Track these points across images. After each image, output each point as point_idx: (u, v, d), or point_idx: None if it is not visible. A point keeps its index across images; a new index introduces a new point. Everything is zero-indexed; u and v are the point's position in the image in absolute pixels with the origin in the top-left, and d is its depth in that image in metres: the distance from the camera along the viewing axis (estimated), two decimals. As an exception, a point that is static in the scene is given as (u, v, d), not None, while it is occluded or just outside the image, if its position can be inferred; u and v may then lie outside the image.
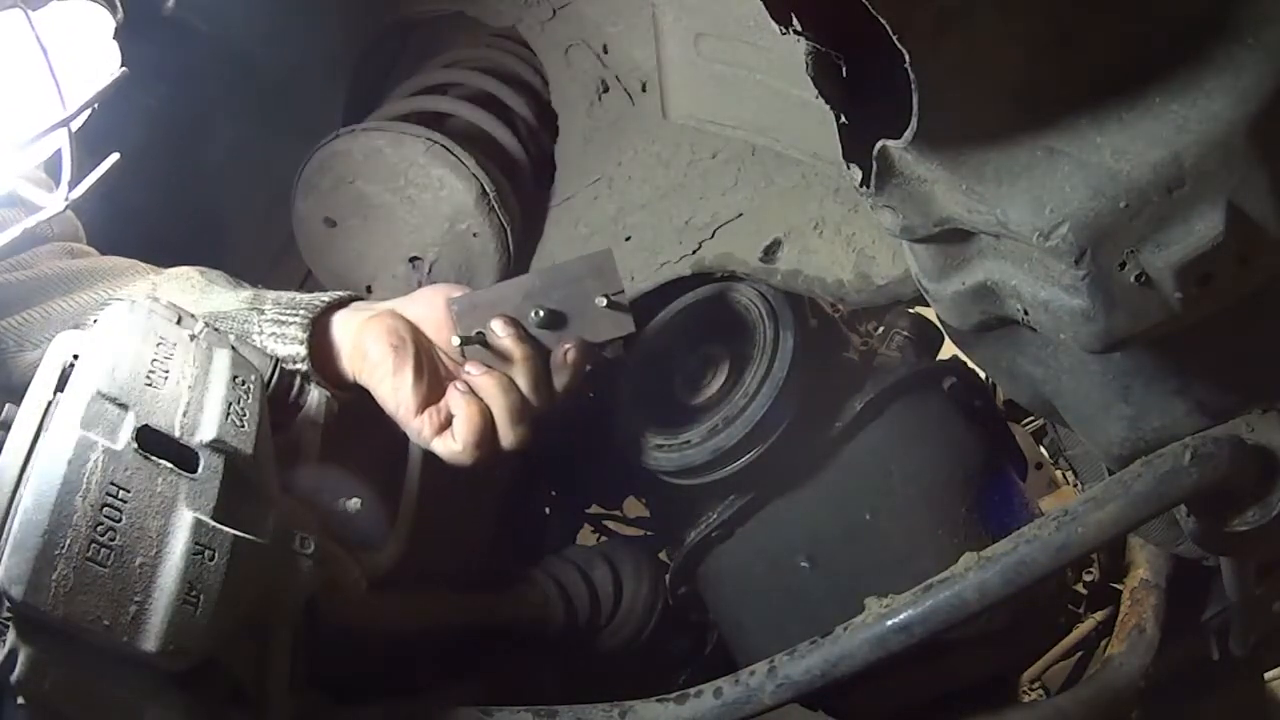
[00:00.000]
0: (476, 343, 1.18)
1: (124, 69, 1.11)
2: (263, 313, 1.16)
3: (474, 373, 1.17)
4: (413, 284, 1.57)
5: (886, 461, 1.35)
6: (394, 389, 1.15)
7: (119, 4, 1.15)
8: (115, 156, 1.05)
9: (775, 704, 1.05)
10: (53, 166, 1.20)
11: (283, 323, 1.15)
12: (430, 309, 1.20)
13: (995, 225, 0.78)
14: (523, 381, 1.19)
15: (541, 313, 1.20)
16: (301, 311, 1.16)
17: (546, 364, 1.21)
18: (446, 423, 1.17)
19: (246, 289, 1.22)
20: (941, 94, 0.70)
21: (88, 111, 1.04)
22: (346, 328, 1.19)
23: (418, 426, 1.17)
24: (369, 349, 1.15)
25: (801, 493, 1.36)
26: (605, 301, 1.22)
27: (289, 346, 1.14)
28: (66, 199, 1.01)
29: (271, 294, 1.20)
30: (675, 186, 1.48)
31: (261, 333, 1.15)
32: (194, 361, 1.00)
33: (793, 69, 1.23)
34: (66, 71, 1.04)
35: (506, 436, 1.17)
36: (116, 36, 1.16)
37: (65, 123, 0.99)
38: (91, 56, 1.13)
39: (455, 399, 1.17)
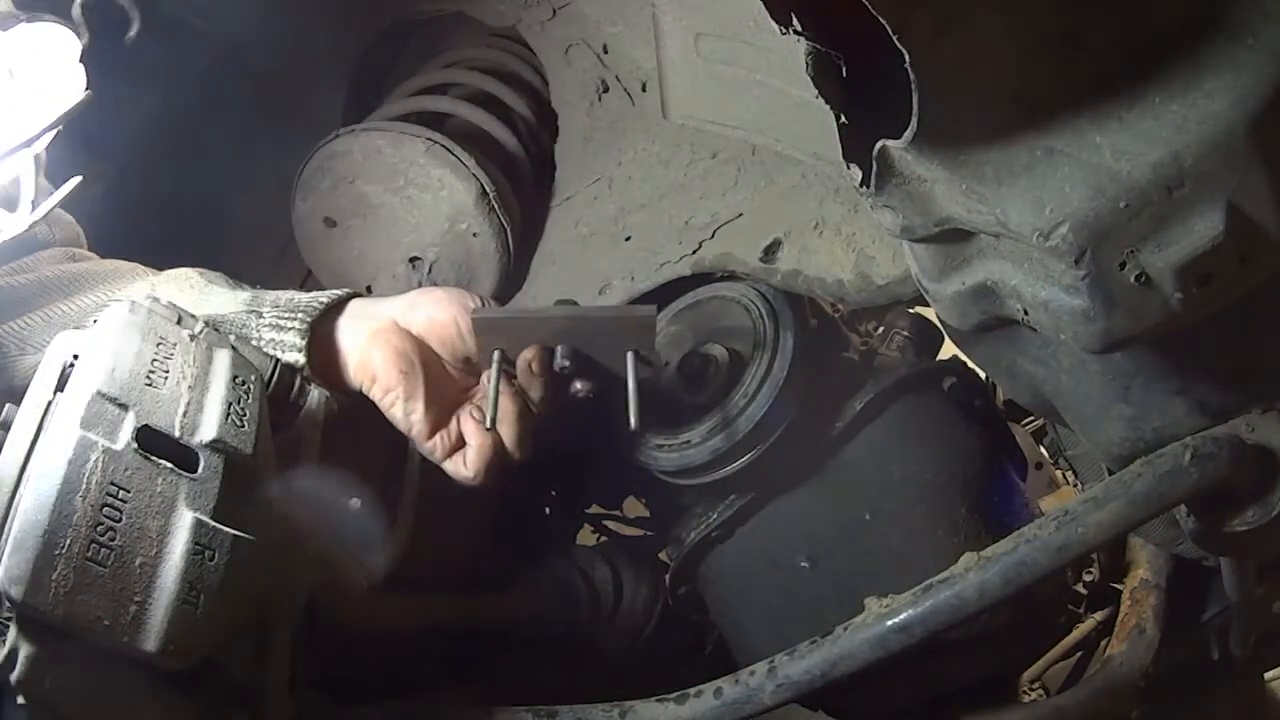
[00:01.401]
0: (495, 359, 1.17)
1: (89, 92, 1.14)
2: (261, 316, 1.16)
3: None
4: (413, 284, 1.57)
5: (886, 461, 1.35)
6: (405, 414, 1.16)
7: (85, 27, 1.16)
8: (77, 180, 1.07)
9: (775, 704, 1.05)
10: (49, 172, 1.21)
11: (281, 328, 1.15)
12: (437, 314, 1.20)
13: (995, 225, 0.78)
14: (537, 408, 1.21)
15: (569, 353, 1.19)
16: (300, 315, 1.16)
17: (561, 392, 1.23)
18: (458, 444, 1.19)
19: (245, 290, 1.21)
20: (941, 94, 0.70)
21: (50, 134, 1.05)
22: (352, 339, 1.18)
23: (429, 449, 1.19)
24: (377, 372, 1.15)
25: (801, 493, 1.35)
26: (634, 358, 1.19)
27: (287, 354, 1.14)
28: (29, 221, 1.03)
29: (270, 295, 1.19)
30: (675, 186, 1.48)
31: (260, 339, 1.14)
32: (194, 361, 1.00)
33: (793, 69, 1.23)
34: (31, 93, 1.06)
35: (515, 456, 1.20)
36: (83, 59, 1.19)
37: (28, 144, 1.00)
38: (57, 79, 1.15)
39: (469, 428, 1.19)
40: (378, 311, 1.20)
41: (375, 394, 1.17)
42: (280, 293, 1.20)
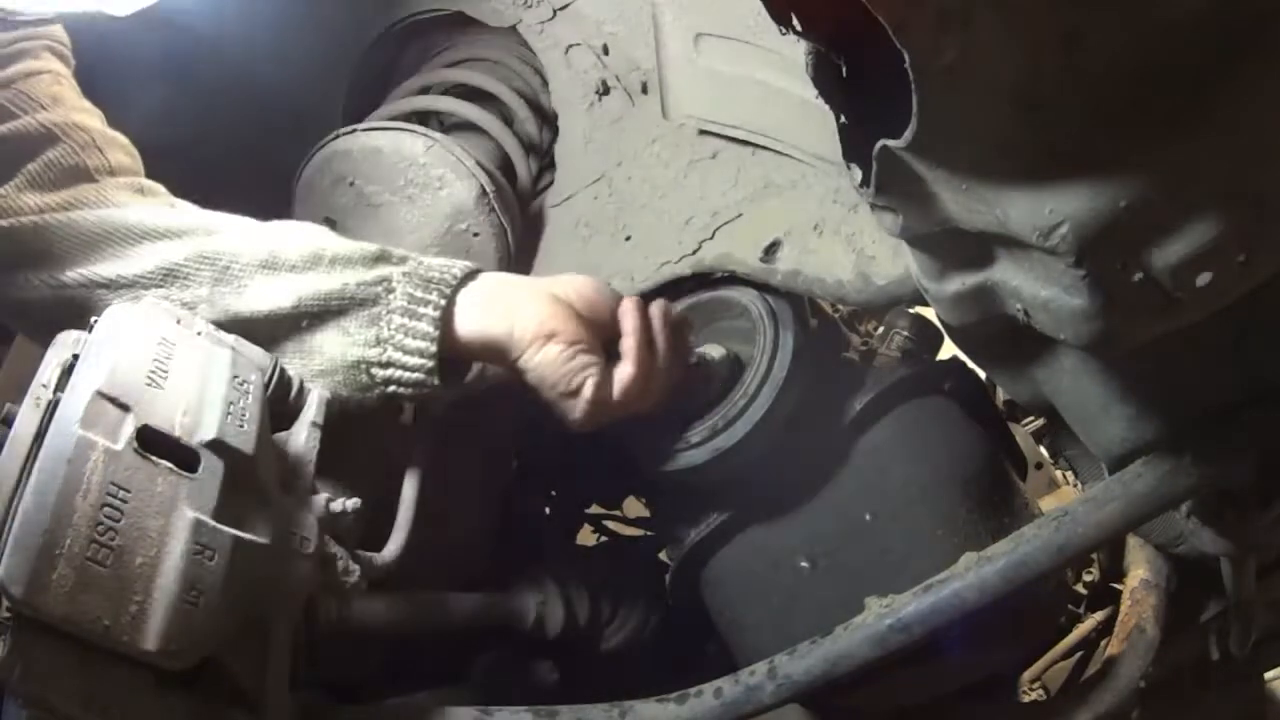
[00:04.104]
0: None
1: None
2: (392, 291, 1.16)
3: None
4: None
5: (887, 462, 1.35)
6: (583, 365, 1.18)
7: None
8: None
9: (775, 704, 1.05)
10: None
11: (414, 313, 1.15)
12: (580, 283, 1.25)
13: (995, 225, 0.78)
14: (663, 364, 1.25)
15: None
16: (436, 292, 1.16)
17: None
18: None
19: (369, 248, 1.20)
20: (942, 94, 0.70)
21: None
22: (521, 304, 1.19)
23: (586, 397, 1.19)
24: (558, 327, 1.17)
25: (801, 493, 1.35)
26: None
27: (417, 342, 1.15)
28: None
29: (402, 267, 1.19)
30: (675, 186, 1.48)
31: (391, 326, 1.15)
32: (195, 361, 1.00)
33: (793, 69, 1.23)
34: None
35: (628, 400, 1.22)
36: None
37: None
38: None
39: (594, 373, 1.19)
40: (520, 280, 1.24)
41: (554, 347, 1.17)
42: (414, 263, 1.20)
